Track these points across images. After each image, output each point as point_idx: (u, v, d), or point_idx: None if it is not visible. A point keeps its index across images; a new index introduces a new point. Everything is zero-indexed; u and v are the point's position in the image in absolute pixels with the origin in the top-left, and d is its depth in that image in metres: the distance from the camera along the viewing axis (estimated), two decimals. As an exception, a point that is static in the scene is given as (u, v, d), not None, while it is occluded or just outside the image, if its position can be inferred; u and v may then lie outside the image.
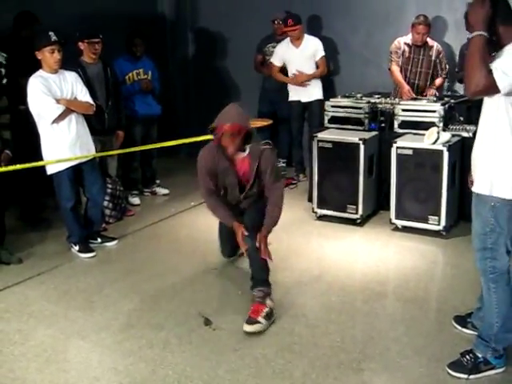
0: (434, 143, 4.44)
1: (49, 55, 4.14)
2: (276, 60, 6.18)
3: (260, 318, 3.25)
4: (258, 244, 3.45)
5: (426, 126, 4.72)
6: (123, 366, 2.96)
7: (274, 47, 6.37)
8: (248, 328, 3.21)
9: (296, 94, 6.19)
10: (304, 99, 6.16)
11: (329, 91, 6.23)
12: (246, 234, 3.50)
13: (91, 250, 4.52)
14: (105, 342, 3.23)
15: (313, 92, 6.13)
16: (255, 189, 3.77)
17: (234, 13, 6.98)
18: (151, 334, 3.22)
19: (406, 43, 5.55)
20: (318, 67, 6.11)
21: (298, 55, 6.04)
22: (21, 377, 2.91)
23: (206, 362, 2.98)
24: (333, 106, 5.32)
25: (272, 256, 3.51)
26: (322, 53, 6.05)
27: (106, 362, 3.03)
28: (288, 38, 6.08)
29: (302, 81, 6.06)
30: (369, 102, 5.18)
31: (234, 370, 2.90)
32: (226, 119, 3.47)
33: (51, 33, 4.11)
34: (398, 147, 4.61)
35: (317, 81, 6.15)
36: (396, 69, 5.58)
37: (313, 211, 5.12)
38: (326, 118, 5.35)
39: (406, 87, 5.48)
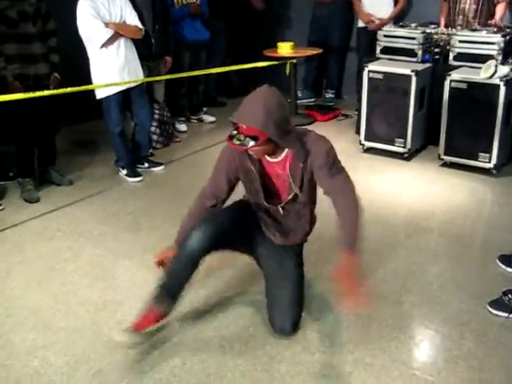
0: (491, 77, 4.26)
1: (98, -24, 4.10)
2: None
3: None
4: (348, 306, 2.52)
5: (483, 58, 4.51)
6: (168, 287, 3.06)
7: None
8: None
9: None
10: (372, 27, 5.86)
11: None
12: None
13: (138, 175, 4.62)
14: (150, 262, 3.30)
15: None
16: (303, 198, 2.69)
17: None
18: (195, 258, 3.30)
19: None
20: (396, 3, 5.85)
21: None
22: (73, 291, 3.06)
23: (247, 285, 3.06)
24: (385, 36, 5.14)
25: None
26: None
27: (151, 281, 3.10)
28: None
29: (378, 26, 5.76)
30: (423, 32, 4.97)
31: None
32: (243, 117, 2.38)
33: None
34: (451, 80, 4.44)
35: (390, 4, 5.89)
36: None
37: (360, 143, 5.05)
38: (378, 48, 5.18)
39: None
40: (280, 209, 2.69)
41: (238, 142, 2.38)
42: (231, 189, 2.72)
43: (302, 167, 2.53)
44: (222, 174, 2.66)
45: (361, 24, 6.02)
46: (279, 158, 2.56)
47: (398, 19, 5.87)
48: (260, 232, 2.79)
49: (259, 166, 2.60)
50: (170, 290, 2.62)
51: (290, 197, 2.64)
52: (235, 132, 2.40)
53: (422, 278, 3.12)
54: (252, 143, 2.37)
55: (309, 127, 5.72)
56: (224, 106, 6.62)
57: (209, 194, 2.72)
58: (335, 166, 2.54)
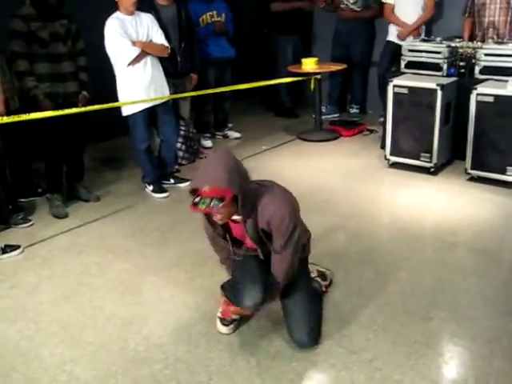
0: (518, 90, 4.23)
1: (125, -3, 4.18)
2: None
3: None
4: None
5: (510, 71, 4.48)
6: (194, 302, 3.08)
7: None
8: (326, 282, 3.11)
9: (394, 35, 5.97)
10: (402, 41, 5.80)
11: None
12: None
13: (164, 191, 4.66)
14: (177, 278, 3.36)
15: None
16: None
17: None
18: (222, 273, 3.28)
19: None
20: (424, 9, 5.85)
21: None
22: (100, 306, 3.09)
23: (274, 302, 3.05)
24: (410, 50, 5.13)
25: None
26: None
27: (178, 296, 3.16)
28: None
29: (407, 34, 5.82)
30: (448, 46, 4.95)
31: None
32: (206, 180, 2.34)
33: (127, -26, 4.13)
34: (478, 94, 4.41)
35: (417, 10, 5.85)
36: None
37: (385, 158, 5.03)
38: (403, 63, 5.17)
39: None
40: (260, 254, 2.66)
41: (204, 206, 2.34)
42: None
43: (256, 225, 2.52)
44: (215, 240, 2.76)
45: (390, 37, 6.01)
46: (239, 218, 2.53)
47: (427, 31, 5.84)
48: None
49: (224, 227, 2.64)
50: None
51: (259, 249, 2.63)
52: (198, 198, 2.35)
53: (450, 293, 3.08)
54: (219, 204, 2.34)
55: (334, 142, 5.81)
56: (296, 118, 6.76)
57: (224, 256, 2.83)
58: (289, 239, 2.52)
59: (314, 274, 3.07)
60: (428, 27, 6.00)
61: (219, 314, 2.84)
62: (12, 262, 3.63)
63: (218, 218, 2.48)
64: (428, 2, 5.78)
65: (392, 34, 6.01)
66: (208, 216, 2.58)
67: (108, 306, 3.09)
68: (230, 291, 2.77)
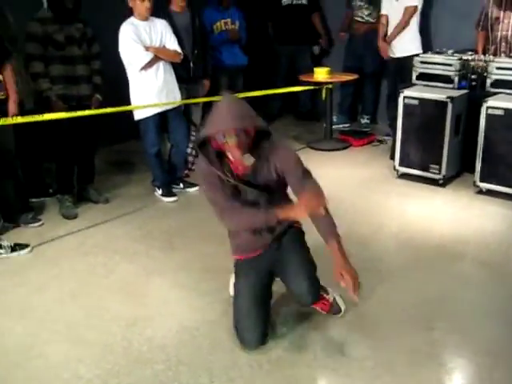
0: (529, 104, 4.23)
1: (139, 3, 4.24)
2: (383, 10, 5.96)
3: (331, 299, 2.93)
4: (343, 282, 2.54)
5: (521, 85, 4.50)
6: (199, 305, 3.10)
7: (360, 1, 6.22)
8: (340, 314, 2.96)
9: (391, 49, 5.97)
10: (398, 54, 5.86)
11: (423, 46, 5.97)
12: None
13: (173, 195, 4.70)
14: (183, 281, 3.38)
15: (407, 47, 5.78)
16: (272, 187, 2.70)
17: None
18: (227, 278, 3.32)
19: None
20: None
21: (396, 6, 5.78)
22: (105, 306, 3.12)
23: (277, 307, 3.06)
24: (422, 62, 5.15)
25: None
26: (410, 2, 5.68)
27: (183, 300, 3.18)
28: None
29: (386, 49, 5.89)
30: (460, 59, 4.96)
31: (304, 317, 2.97)
32: (225, 122, 2.43)
33: (142, -19, 4.18)
34: (488, 107, 4.41)
35: (414, 35, 5.80)
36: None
37: (394, 169, 5.04)
38: (414, 75, 5.19)
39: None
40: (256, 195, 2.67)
41: (233, 141, 2.44)
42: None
43: (266, 165, 2.61)
44: (222, 190, 2.62)
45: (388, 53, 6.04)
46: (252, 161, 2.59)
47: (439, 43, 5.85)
48: (266, 265, 2.82)
49: (230, 172, 2.62)
50: None
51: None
52: (222, 137, 2.45)
53: (453, 304, 3.08)
54: (245, 138, 2.48)
55: (343, 152, 5.83)
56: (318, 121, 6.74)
57: (229, 201, 2.64)
58: (304, 172, 2.62)
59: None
60: (440, 39, 5.99)
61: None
62: (20, 261, 3.68)
63: (237, 154, 2.51)
64: (405, 10, 5.72)
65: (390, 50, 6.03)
66: (217, 163, 2.58)
67: (113, 306, 3.13)
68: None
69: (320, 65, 6.26)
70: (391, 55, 5.98)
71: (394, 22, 5.83)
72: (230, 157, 2.56)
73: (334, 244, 2.56)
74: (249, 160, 2.57)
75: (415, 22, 5.79)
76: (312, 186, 2.55)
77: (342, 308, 2.96)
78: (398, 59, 5.88)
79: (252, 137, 2.53)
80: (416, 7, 5.73)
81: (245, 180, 2.65)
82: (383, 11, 5.94)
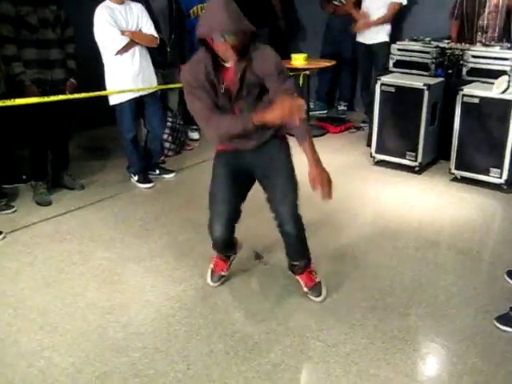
0: (503, 92, 4.27)
1: (115, -15, 4.16)
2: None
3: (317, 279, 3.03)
4: (315, 184, 2.66)
5: (496, 74, 4.51)
6: (175, 292, 3.09)
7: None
8: (319, 298, 3.00)
9: (361, 35, 5.99)
10: (368, 41, 5.93)
11: (397, 34, 6.00)
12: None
13: (150, 181, 4.66)
14: (158, 268, 3.36)
15: (378, 35, 5.86)
16: (253, 92, 2.68)
17: None
18: (203, 265, 3.31)
19: None
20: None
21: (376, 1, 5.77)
22: (80, 293, 3.09)
23: (255, 295, 3.07)
24: (399, 50, 5.17)
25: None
26: None
27: (159, 286, 3.16)
28: None
29: (365, 28, 5.86)
30: (437, 47, 4.99)
31: (280, 303, 2.98)
32: (224, 22, 2.44)
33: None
34: (464, 95, 4.45)
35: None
36: None
37: (371, 156, 5.06)
38: (391, 62, 5.21)
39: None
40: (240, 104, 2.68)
41: (235, 40, 2.47)
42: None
43: (249, 67, 2.61)
44: (206, 95, 2.60)
45: (358, 38, 6.03)
46: (231, 64, 2.61)
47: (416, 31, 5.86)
48: (246, 165, 2.85)
49: (219, 75, 2.62)
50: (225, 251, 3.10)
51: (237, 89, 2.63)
52: (222, 38, 2.45)
53: (429, 291, 3.11)
54: (243, 38, 2.52)
55: (321, 139, 5.83)
56: None
57: (211, 107, 2.62)
58: (284, 76, 2.65)
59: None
60: (415, 27, 6.00)
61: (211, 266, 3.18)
62: (-7, 248, 3.62)
63: (233, 55, 2.53)
64: (390, 7, 5.76)
65: (359, 36, 6.02)
66: (208, 61, 2.58)
67: (88, 293, 3.09)
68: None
69: (284, 49, 6.09)
70: (361, 41, 5.98)
71: (373, 16, 5.81)
72: (224, 58, 2.57)
73: (307, 149, 2.64)
74: (240, 65, 2.59)
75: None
76: (289, 92, 2.55)
77: (323, 293, 3.00)
78: (369, 46, 5.90)
79: (248, 39, 2.56)
80: (401, 4, 5.74)
81: (232, 90, 2.64)
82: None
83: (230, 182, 2.81)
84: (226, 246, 2.99)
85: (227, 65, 2.63)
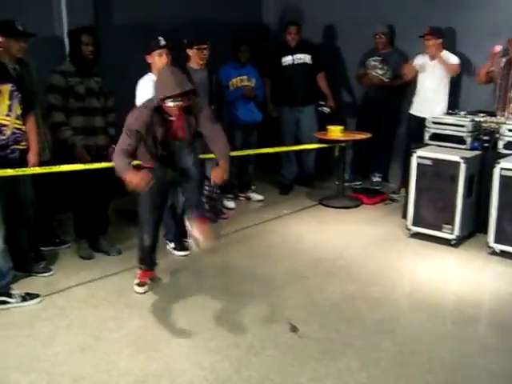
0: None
1: (157, 58, 4.34)
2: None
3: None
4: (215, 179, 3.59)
5: (534, 147, 4.52)
6: (209, 363, 3.05)
7: (374, 61, 6.34)
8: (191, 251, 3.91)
9: (416, 108, 5.94)
10: (424, 114, 5.65)
11: (453, 107, 5.80)
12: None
13: (186, 249, 4.67)
14: (193, 337, 3.33)
15: (436, 108, 5.68)
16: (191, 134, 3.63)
17: (339, 25, 6.99)
18: (238, 335, 3.29)
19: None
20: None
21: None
22: (114, 361, 3.08)
23: (290, 368, 3.01)
24: (434, 123, 5.21)
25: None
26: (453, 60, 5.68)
27: (193, 356, 3.13)
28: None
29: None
30: (473, 121, 5.02)
31: (316, 378, 2.91)
32: (173, 88, 3.32)
33: (160, 38, 4.31)
34: (501, 168, 4.44)
35: (443, 96, 5.79)
36: None
37: (407, 228, 5.02)
38: (427, 135, 5.24)
39: None
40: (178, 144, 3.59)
41: (180, 102, 3.34)
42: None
43: (192, 119, 3.55)
44: (131, 139, 3.38)
45: (412, 111, 6.05)
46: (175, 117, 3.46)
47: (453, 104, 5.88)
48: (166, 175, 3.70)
49: (165, 123, 3.46)
50: (150, 262, 3.98)
51: (187, 136, 3.59)
52: (171, 101, 3.33)
53: (469, 369, 3.01)
54: (189, 99, 3.41)
55: (355, 210, 5.83)
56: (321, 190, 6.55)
57: (125, 151, 3.39)
58: (215, 120, 3.67)
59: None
60: (453, 100, 6.03)
61: (137, 281, 3.93)
62: (30, 311, 3.65)
63: (175, 111, 3.39)
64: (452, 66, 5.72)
65: (414, 108, 6.06)
66: (155, 116, 3.40)
67: (122, 361, 3.08)
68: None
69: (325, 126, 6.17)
70: (417, 114, 5.92)
71: (428, 82, 5.81)
72: (173, 116, 3.42)
73: (222, 162, 3.62)
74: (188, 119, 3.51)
75: (446, 84, 5.81)
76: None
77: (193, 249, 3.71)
78: (422, 119, 5.61)
79: (192, 97, 3.42)
80: (459, 65, 5.74)
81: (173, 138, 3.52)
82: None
83: (156, 194, 3.78)
84: None
85: (171, 118, 3.46)
